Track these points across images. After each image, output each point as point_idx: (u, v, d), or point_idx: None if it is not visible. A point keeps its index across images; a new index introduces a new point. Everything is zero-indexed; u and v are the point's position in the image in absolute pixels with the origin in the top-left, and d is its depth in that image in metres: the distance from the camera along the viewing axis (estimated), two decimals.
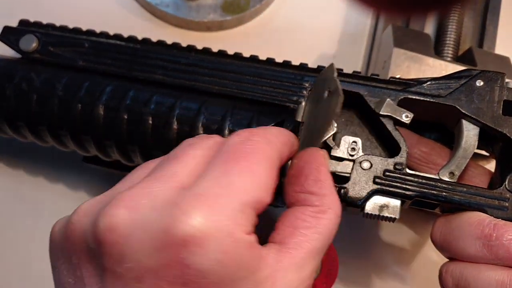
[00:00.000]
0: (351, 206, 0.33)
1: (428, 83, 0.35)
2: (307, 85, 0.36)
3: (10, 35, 0.42)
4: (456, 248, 0.32)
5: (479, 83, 0.35)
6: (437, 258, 0.35)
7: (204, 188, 0.22)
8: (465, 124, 0.34)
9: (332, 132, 0.35)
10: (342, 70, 0.37)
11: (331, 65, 0.32)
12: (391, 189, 0.33)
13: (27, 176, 0.49)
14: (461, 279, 0.31)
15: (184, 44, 0.40)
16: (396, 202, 0.33)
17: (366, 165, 0.34)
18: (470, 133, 0.34)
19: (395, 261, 0.48)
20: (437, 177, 0.34)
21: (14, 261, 0.46)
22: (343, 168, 0.35)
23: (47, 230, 0.47)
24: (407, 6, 0.19)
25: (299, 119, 0.34)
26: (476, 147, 0.34)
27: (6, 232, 0.47)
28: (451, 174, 0.34)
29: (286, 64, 0.38)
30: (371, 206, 0.33)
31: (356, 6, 0.19)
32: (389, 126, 0.35)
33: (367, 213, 0.33)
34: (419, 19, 0.50)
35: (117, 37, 0.41)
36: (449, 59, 0.48)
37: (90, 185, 0.49)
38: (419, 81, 0.36)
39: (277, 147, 0.26)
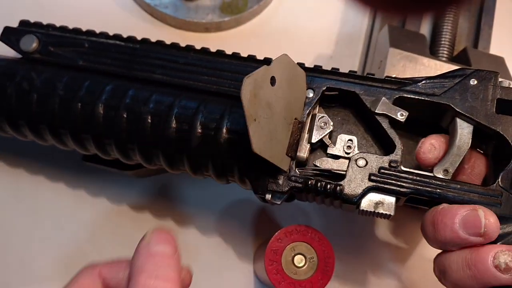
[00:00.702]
0: (347, 203, 0.34)
1: (423, 82, 0.36)
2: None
3: (11, 36, 0.42)
4: (427, 237, 0.34)
5: (473, 82, 0.35)
6: (433, 255, 0.35)
7: None
8: (459, 122, 0.35)
9: (329, 131, 0.35)
10: (338, 69, 0.37)
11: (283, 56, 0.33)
12: (386, 186, 0.34)
13: (27, 175, 0.49)
14: (440, 264, 0.33)
15: (183, 45, 0.41)
16: (391, 199, 0.34)
17: (361, 162, 0.34)
18: (464, 131, 0.35)
19: (391, 258, 0.49)
20: (432, 174, 0.34)
21: (13, 259, 0.47)
22: (339, 165, 0.35)
23: (46, 228, 0.48)
24: (404, 6, 0.19)
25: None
26: (470, 144, 0.35)
27: (6, 231, 0.48)
28: (445, 171, 0.34)
29: None
30: (366, 203, 0.34)
31: (353, 5, 0.20)
32: (385, 124, 0.35)
33: (363, 210, 0.34)
34: (415, 20, 0.51)
35: (117, 37, 0.42)
36: (444, 59, 0.49)
37: (90, 183, 0.49)
38: (414, 80, 0.36)
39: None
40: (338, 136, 0.36)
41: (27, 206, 0.48)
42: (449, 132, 0.36)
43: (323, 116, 0.36)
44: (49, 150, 0.46)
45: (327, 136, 0.36)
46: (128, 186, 0.49)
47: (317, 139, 0.35)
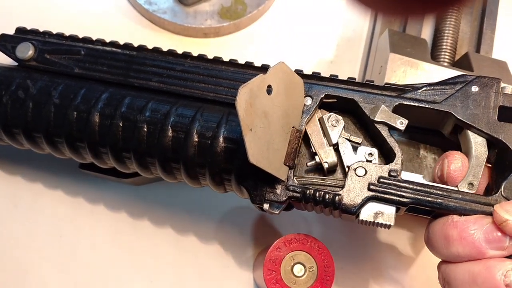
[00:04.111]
0: (346, 213, 0.33)
1: (423, 89, 0.35)
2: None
3: (7, 43, 0.42)
4: (436, 250, 0.33)
5: (475, 88, 0.35)
6: (435, 263, 0.35)
7: None
8: (470, 133, 0.34)
9: (342, 125, 0.35)
10: (337, 76, 0.37)
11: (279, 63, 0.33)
12: (386, 196, 0.33)
13: (25, 183, 0.49)
14: (445, 274, 0.33)
15: (181, 50, 0.40)
16: (391, 209, 0.33)
17: (360, 171, 0.34)
18: (477, 140, 0.34)
19: (393, 266, 0.48)
20: (432, 184, 0.33)
21: (11, 267, 0.47)
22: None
23: (44, 235, 0.47)
24: (405, 7, 0.19)
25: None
26: (487, 152, 0.34)
27: (4, 238, 0.47)
28: (470, 185, 0.33)
29: None
30: (366, 213, 0.33)
31: (355, 6, 0.19)
32: (384, 132, 0.34)
33: (362, 220, 0.33)
34: (415, 24, 0.50)
35: (113, 44, 0.41)
36: (445, 64, 0.48)
37: (87, 191, 0.49)
38: (414, 87, 0.36)
39: None
40: (358, 148, 0.35)
41: (25, 214, 0.48)
42: (461, 145, 0.35)
43: (330, 115, 0.35)
44: (47, 158, 0.45)
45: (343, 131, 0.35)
46: (127, 193, 0.49)
47: (337, 138, 0.35)
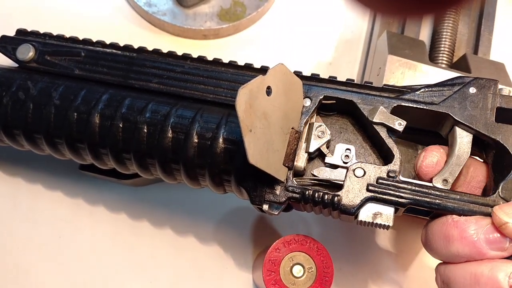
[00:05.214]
0: (345, 213, 0.33)
1: (422, 90, 0.35)
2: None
3: (7, 45, 0.42)
4: (434, 250, 0.33)
5: (472, 90, 0.35)
6: (434, 264, 0.35)
7: None
8: (459, 131, 0.35)
9: (326, 140, 0.35)
10: (335, 77, 0.37)
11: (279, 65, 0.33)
12: (384, 196, 0.33)
13: (24, 184, 0.49)
14: (444, 276, 0.32)
15: (180, 52, 0.41)
16: (389, 210, 0.33)
17: (359, 172, 0.34)
18: (463, 140, 0.34)
19: (392, 267, 0.48)
20: (431, 185, 0.34)
21: (11, 267, 0.47)
22: (337, 175, 0.35)
23: (44, 236, 0.47)
24: (403, 8, 0.19)
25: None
26: (469, 154, 0.34)
27: (4, 238, 0.47)
28: (445, 181, 0.34)
29: None
30: (364, 214, 0.33)
31: (353, 6, 0.20)
32: (382, 133, 0.35)
33: (361, 221, 0.33)
34: (414, 25, 0.51)
35: (113, 46, 0.41)
36: (443, 65, 0.48)
37: (87, 193, 0.49)
38: (413, 89, 0.36)
39: None
40: (336, 145, 0.35)
41: (25, 214, 0.48)
42: (448, 141, 0.36)
43: (320, 125, 0.35)
44: (47, 159, 0.46)
45: (325, 145, 0.35)
46: (126, 194, 0.49)
47: (314, 149, 0.35)
